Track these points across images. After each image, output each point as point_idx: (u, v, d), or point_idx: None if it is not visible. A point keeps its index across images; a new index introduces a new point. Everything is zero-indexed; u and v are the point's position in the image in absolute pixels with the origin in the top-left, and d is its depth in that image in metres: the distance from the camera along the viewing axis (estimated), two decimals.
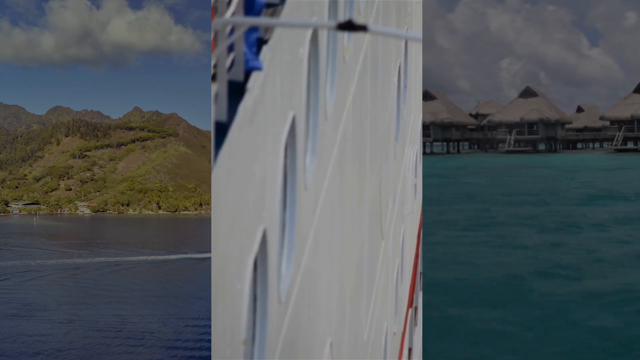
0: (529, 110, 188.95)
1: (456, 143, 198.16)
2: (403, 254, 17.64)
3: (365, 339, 12.12)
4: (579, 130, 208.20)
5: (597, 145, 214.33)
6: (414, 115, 19.62)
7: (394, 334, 16.06)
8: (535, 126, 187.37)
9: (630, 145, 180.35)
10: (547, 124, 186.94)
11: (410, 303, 19.41)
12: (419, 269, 21.94)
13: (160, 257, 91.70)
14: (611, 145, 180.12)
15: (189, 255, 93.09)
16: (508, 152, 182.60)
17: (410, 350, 19.38)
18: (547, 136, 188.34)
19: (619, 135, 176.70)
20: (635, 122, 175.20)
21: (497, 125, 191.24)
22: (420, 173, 20.83)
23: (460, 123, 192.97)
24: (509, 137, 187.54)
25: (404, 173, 17.11)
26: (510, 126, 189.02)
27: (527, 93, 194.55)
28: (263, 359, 6.75)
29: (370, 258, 12.49)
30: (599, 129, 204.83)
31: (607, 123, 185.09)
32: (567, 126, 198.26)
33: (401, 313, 17.41)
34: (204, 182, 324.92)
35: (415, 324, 20.17)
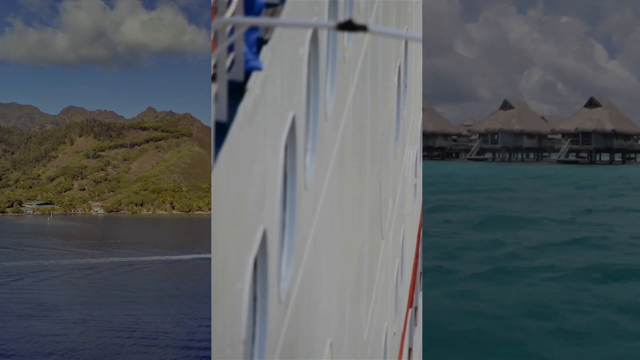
0: None
1: None
2: (403, 254, 17.58)
3: (365, 339, 12.06)
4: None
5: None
6: (414, 115, 19.55)
7: (394, 334, 16.00)
8: None
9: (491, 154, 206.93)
10: (424, 134, 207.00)
11: (410, 303, 19.33)
12: (419, 269, 21.82)
13: (174, 257, 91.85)
14: (465, 155, 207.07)
15: (202, 255, 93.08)
16: None
17: (410, 350, 19.30)
18: (425, 145, 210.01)
19: (475, 146, 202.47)
20: (489, 135, 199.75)
21: None
22: (420, 173, 20.73)
23: None
24: None
25: (404, 173, 17.05)
26: None
27: None
28: (263, 359, 6.74)
29: (370, 258, 12.44)
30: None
31: (476, 136, 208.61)
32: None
33: (401, 313, 17.34)
34: None
35: (415, 324, 20.06)
